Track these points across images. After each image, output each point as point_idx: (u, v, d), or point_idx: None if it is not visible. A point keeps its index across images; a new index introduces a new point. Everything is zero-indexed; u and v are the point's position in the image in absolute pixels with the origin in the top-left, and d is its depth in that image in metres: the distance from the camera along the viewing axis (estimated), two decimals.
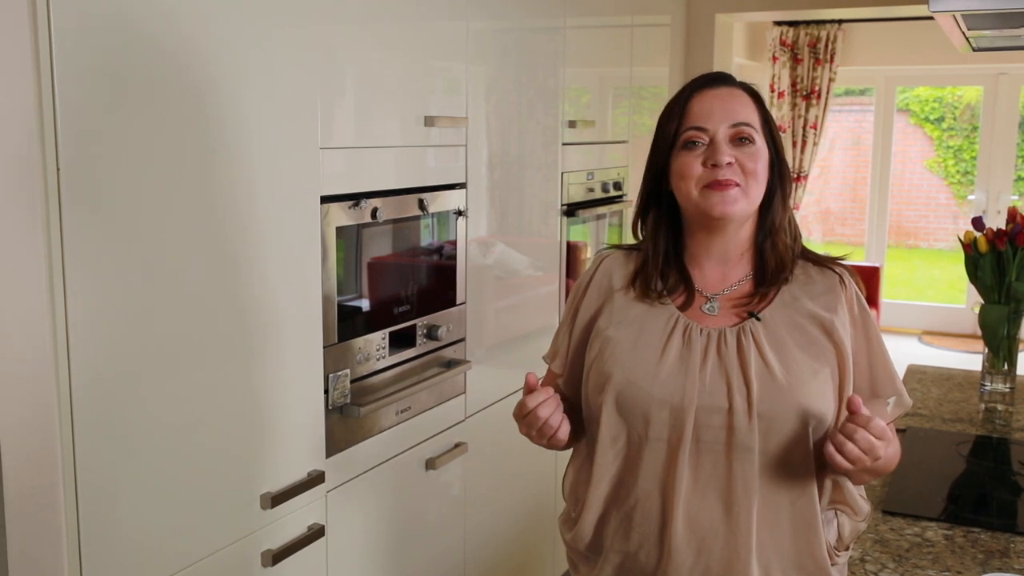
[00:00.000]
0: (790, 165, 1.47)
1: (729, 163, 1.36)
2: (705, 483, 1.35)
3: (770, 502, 1.35)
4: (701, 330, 1.39)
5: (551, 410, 1.37)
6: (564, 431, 1.40)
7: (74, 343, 1.45)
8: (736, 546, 1.33)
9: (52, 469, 1.43)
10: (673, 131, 1.41)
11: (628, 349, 1.40)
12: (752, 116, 1.40)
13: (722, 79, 1.43)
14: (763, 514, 1.34)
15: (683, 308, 1.42)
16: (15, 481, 1.38)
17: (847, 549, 1.45)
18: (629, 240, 1.57)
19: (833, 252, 1.49)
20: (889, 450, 1.35)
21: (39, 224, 1.39)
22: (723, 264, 1.44)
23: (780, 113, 6.89)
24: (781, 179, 1.43)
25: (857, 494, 1.44)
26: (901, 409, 1.46)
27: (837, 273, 1.43)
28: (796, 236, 1.45)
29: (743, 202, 1.38)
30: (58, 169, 1.40)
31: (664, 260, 1.45)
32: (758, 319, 1.38)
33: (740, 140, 1.38)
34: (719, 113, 1.38)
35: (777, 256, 1.42)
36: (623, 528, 1.41)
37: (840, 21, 6.74)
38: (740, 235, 1.43)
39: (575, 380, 1.50)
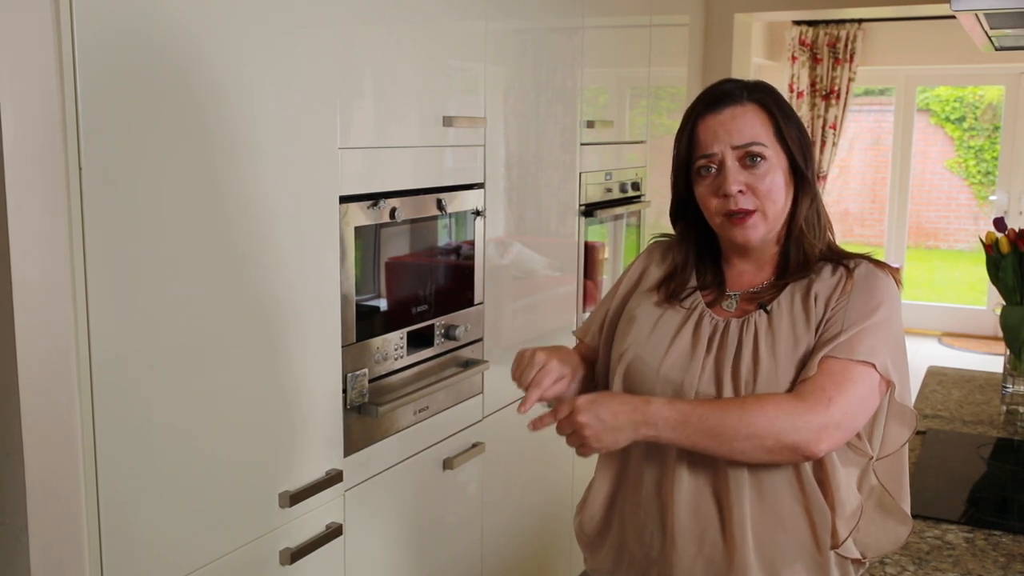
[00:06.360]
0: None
1: (740, 191, 1.38)
2: (701, 468, 1.39)
3: (764, 489, 1.37)
4: (711, 319, 1.44)
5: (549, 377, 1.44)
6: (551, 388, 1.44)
7: (95, 342, 1.46)
8: (731, 531, 1.36)
9: (73, 467, 1.44)
10: (684, 156, 1.45)
11: (647, 330, 1.47)
12: (760, 131, 1.39)
13: (726, 97, 1.41)
14: (756, 501, 1.37)
15: (711, 305, 1.47)
16: (37, 478, 1.40)
17: (863, 560, 1.44)
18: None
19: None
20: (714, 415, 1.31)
21: (61, 223, 1.40)
22: (754, 264, 1.47)
23: (799, 114, 6.83)
24: (803, 180, 1.43)
25: (852, 497, 1.41)
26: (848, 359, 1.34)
27: (849, 267, 1.42)
28: (822, 234, 1.45)
29: (763, 227, 1.41)
30: (80, 169, 1.41)
31: (698, 261, 1.50)
32: (767, 311, 1.41)
33: (750, 160, 1.38)
34: (724, 138, 1.39)
35: (801, 254, 1.44)
36: (631, 507, 1.47)
37: (860, 20, 6.70)
38: (768, 239, 1.44)
39: (604, 356, 1.56)
